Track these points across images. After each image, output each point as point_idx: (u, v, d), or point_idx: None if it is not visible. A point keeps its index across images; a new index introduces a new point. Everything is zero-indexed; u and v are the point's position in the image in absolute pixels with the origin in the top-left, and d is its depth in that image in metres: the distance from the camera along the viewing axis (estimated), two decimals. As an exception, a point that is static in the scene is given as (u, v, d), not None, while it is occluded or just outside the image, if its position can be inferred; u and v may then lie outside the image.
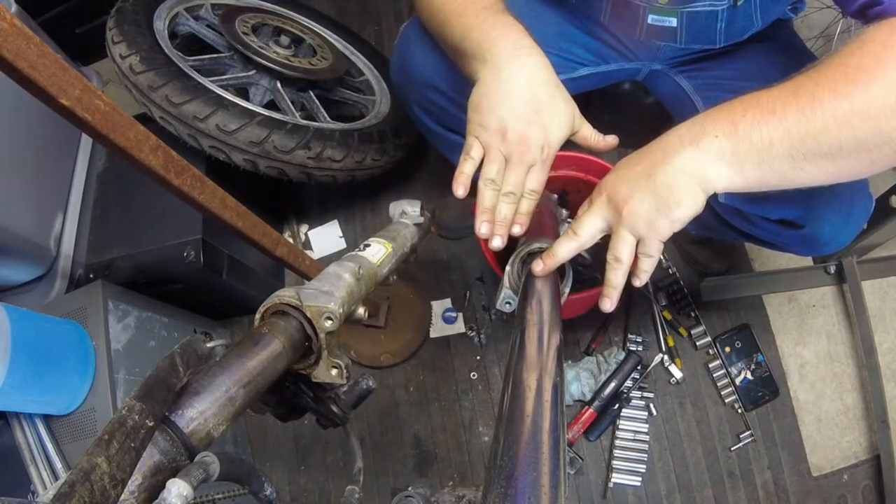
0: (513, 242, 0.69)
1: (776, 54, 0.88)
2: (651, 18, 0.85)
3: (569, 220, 0.80)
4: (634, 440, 1.26)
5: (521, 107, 0.61)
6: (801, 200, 0.77)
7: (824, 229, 0.78)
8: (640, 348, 1.32)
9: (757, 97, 0.52)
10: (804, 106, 0.49)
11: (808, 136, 0.49)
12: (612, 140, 0.68)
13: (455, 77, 0.88)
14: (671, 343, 1.31)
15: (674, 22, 0.84)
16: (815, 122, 0.49)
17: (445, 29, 0.70)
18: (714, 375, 1.29)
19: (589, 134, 0.67)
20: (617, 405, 1.27)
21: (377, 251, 0.70)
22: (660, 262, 1.38)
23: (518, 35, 0.63)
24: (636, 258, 0.58)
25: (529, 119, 0.61)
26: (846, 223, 0.78)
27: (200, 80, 1.13)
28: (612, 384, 1.27)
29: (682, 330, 1.33)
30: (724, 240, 0.95)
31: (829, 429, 1.26)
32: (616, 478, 1.24)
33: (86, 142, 1.36)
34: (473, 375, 1.37)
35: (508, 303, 0.69)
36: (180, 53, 1.19)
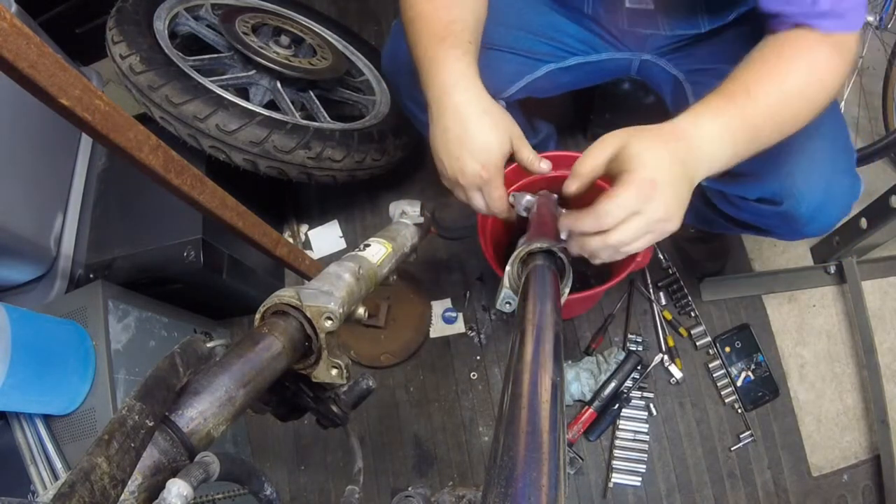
0: (513, 242, 0.69)
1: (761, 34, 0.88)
2: (629, 2, 0.86)
3: (569, 220, 0.81)
4: (634, 440, 1.26)
5: (449, 147, 0.69)
6: (777, 178, 0.78)
7: (801, 206, 0.79)
8: (640, 348, 1.32)
9: (742, 116, 0.60)
10: (771, 108, 0.61)
11: (777, 117, 0.62)
12: (545, 166, 0.75)
13: None
14: (671, 343, 1.31)
15: (650, 4, 0.85)
16: (782, 109, 0.62)
17: (411, 53, 0.74)
18: (714, 375, 1.29)
19: (526, 156, 0.73)
20: (617, 405, 1.27)
21: (377, 251, 0.70)
22: (659, 261, 1.38)
23: (447, 73, 0.68)
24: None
25: (458, 155, 0.69)
26: (824, 202, 0.79)
27: (200, 80, 1.13)
28: (612, 384, 1.27)
29: (682, 330, 1.33)
30: (721, 232, 0.97)
31: (829, 429, 1.26)
32: (616, 478, 1.24)
33: (86, 142, 1.36)
34: (473, 375, 1.37)
35: (508, 303, 0.68)
36: (180, 53, 1.19)
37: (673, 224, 0.57)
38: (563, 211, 0.84)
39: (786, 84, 0.62)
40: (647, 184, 0.55)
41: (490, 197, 0.71)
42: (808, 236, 0.86)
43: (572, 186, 0.64)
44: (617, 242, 0.57)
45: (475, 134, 0.67)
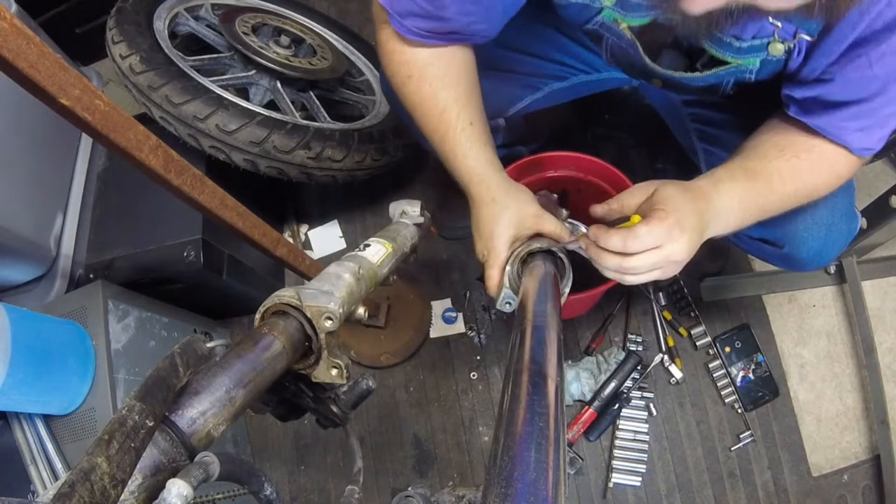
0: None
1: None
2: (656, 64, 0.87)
3: (569, 220, 0.81)
4: (634, 440, 1.26)
5: (474, 224, 0.76)
6: (781, 224, 0.81)
7: (802, 251, 0.83)
8: (640, 348, 1.32)
9: (757, 200, 0.65)
10: (784, 197, 0.68)
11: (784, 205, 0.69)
12: (572, 238, 0.76)
13: None
14: (671, 343, 1.31)
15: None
16: (794, 200, 0.69)
17: (433, 144, 0.77)
18: (714, 375, 1.29)
19: (550, 230, 0.73)
20: (617, 405, 1.27)
21: (377, 251, 0.70)
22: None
23: (462, 170, 0.74)
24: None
25: (474, 235, 0.76)
26: (824, 246, 0.83)
27: (200, 80, 1.13)
28: (612, 384, 1.27)
29: (682, 330, 1.33)
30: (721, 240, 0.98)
31: (829, 429, 1.26)
32: (616, 478, 1.24)
33: (86, 142, 1.36)
34: (473, 375, 1.37)
35: (508, 303, 0.69)
36: (180, 53, 1.19)
37: (679, 267, 0.61)
38: (564, 211, 0.84)
39: (807, 186, 0.69)
40: (676, 225, 0.58)
41: (487, 275, 0.74)
42: (805, 271, 0.90)
43: (600, 211, 0.69)
44: (629, 267, 0.60)
45: (481, 222, 0.74)
